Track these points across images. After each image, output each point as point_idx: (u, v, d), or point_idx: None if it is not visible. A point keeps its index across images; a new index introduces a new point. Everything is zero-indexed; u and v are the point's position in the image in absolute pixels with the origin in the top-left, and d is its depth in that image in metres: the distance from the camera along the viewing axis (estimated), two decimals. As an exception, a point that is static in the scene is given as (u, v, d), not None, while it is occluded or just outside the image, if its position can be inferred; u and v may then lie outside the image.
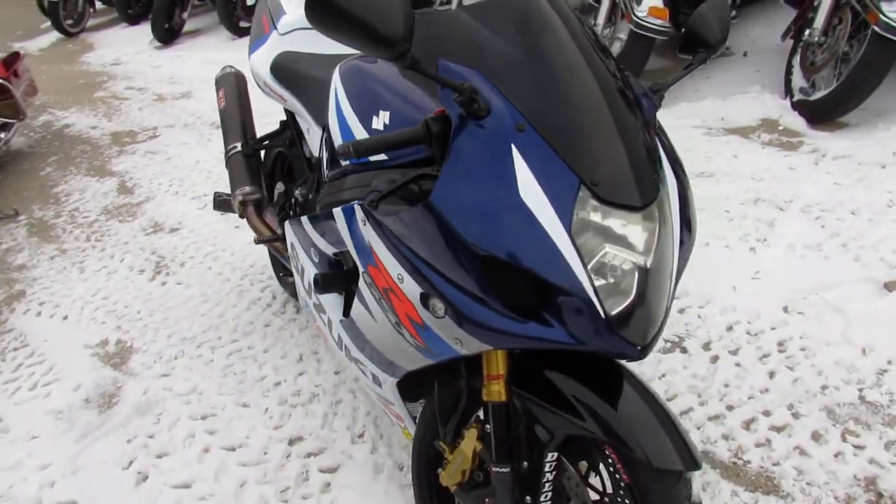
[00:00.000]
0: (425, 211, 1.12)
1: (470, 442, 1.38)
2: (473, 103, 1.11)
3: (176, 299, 2.92)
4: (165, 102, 5.76)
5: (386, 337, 1.42)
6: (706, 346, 2.19)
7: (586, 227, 1.07)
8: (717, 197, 2.91)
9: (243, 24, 6.88)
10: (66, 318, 2.94)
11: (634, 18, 3.51)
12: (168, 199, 3.89)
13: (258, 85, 2.30)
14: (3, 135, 4.52)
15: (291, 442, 2.10)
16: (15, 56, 4.62)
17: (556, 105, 1.14)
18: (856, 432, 1.83)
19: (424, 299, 1.20)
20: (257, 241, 2.21)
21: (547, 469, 1.30)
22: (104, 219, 3.78)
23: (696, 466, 1.18)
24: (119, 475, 2.09)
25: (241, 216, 2.29)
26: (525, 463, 1.31)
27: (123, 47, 7.90)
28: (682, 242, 1.23)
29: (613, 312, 1.06)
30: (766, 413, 1.93)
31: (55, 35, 8.83)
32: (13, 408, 2.46)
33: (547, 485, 1.31)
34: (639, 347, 1.09)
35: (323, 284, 1.53)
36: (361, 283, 1.42)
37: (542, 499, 1.31)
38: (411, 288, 1.22)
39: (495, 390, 1.30)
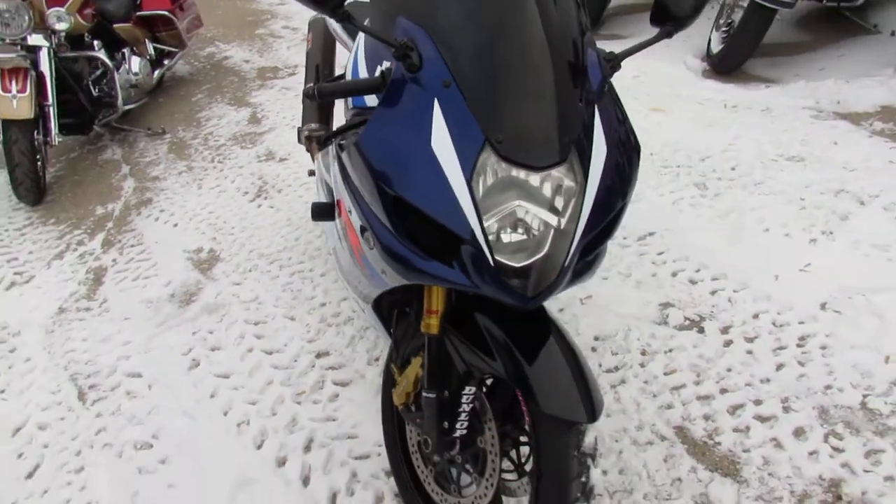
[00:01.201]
0: (356, 151, 1.27)
1: (413, 368, 1.53)
2: (407, 58, 1.23)
3: (265, 220, 3.27)
4: (312, 43, 6.19)
5: (350, 265, 1.60)
6: (724, 330, 2.17)
7: (486, 181, 1.17)
8: (797, 183, 2.77)
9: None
10: (176, 225, 3.40)
11: (755, -12, 3.33)
12: (287, 132, 4.26)
13: (332, 31, 2.50)
14: (167, 61, 5.13)
15: (319, 355, 2.36)
16: (180, -8, 5.18)
17: (484, 66, 1.23)
18: (841, 435, 1.77)
19: (363, 231, 1.37)
20: (310, 173, 2.45)
21: (464, 401, 1.43)
22: (230, 144, 4.23)
23: (587, 419, 1.27)
24: (178, 359, 2.46)
25: (307, 150, 2.54)
26: (447, 392, 1.44)
27: (292, -12, 8.48)
28: (605, 206, 1.26)
29: (505, 262, 1.15)
30: (757, 402, 1.91)
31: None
32: (118, 293, 2.93)
33: (463, 415, 1.44)
34: (529, 297, 1.18)
35: (315, 213, 1.73)
36: (335, 214, 1.60)
37: (457, 426, 1.44)
38: (355, 220, 1.39)
39: (430, 324, 1.44)
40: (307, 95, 1.37)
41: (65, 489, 2.05)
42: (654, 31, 1.43)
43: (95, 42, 4.34)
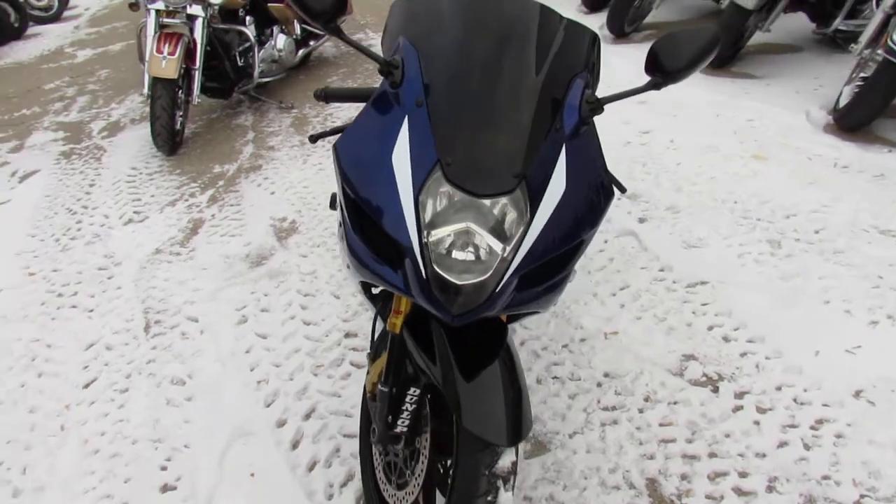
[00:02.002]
0: (333, 152, 1.39)
1: (380, 362, 1.64)
2: (389, 74, 1.34)
3: (348, 203, 3.48)
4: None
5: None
6: (739, 395, 2.08)
7: (433, 199, 1.25)
8: (880, 259, 2.55)
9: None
10: (273, 193, 3.69)
11: (889, 44, 3.07)
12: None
13: None
14: (312, 42, 5.52)
15: (347, 335, 2.52)
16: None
17: (455, 92, 1.31)
18: (816, 529, 1.67)
19: (339, 225, 1.49)
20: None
21: (408, 400, 1.52)
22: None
23: (505, 443, 1.32)
24: (231, 313, 2.72)
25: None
26: (394, 389, 1.53)
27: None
28: (553, 241, 1.29)
29: (443, 277, 1.23)
30: (743, 474, 1.83)
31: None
32: (205, 245, 3.26)
33: (405, 413, 1.52)
34: (453, 315, 1.25)
35: (331, 202, 1.87)
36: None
37: (399, 423, 1.53)
38: (337, 214, 1.51)
39: (394, 323, 1.54)
40: (316, 96, 1.52)
41: (107, 403, 2.35)
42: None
43: (248, 17, 4.79)
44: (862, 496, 1.74)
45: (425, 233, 1.24)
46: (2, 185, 4.31)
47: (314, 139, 1.59)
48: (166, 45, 4.07)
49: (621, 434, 1.99)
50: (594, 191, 1.37)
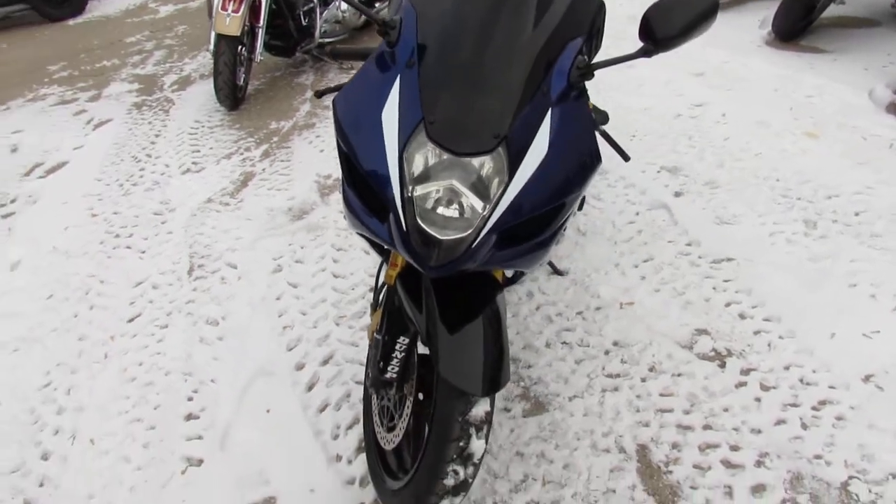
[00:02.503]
0: (333, 105, 1.47)
1: (379, 313, 1.73)
2: (386, 34, 1.41)
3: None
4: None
5: None
6: (745, 371, 2.08)
7: (418, 157, 1.31)
8: (921, 246, 2.46)
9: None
10: (322, 151, 3.82)
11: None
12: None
13: None
14: (378, 4, 5.58)
15: (371, 289, 2.62)
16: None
17: (445, 54, 1.36)
18: (798, 505, 1.68)
19: (340, 179, 1.57)
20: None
21: (397, 348, 1.60)
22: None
23: (479, 393, 1.39)
24: (268, 262, 2.87)
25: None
26: (387, 337, 1.62)
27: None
28: (532, 202, 1.33)
29: (416, 231, 1.30)
30: (734, 448, 1.85)
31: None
32: (252, 197, 3.42)
33: (395, 360, 1.61)
34: (431, 266, 1.32)
35: None
36: None
37: (389, 369, 1.62)
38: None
39: (389, 275, 1.63)
40: (327, 55, 1.59)
41: (147, 337, 2.54)
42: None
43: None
44: (851, 477, 1.73)
45: (410, 188, 1.30)
46: (77, 132, 4.60)
47: (319, 94, 1.67)
48: (231, 3, 4.22)
49: (620, 401, 2.02)
50: (579, 156, 1.39)
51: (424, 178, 1.30)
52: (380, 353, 1.63)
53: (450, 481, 1.48)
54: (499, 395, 2.08)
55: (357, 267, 2.76)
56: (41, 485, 2.03)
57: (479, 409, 1.46)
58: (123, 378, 2.37)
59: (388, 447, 1.68)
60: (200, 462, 2.02)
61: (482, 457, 1.50)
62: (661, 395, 2.04)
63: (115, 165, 4.03)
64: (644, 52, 1.39)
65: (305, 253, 2.90)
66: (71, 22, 8.17)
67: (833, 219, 2.66)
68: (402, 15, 1.44)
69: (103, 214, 3.47)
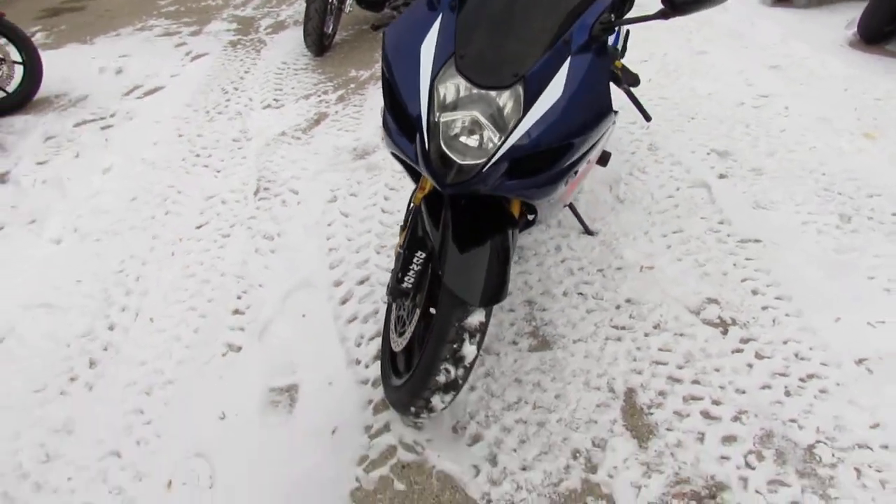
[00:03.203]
0: (383, 35, 1.67)
1: (405, 230, 1.94)
2: (434, -24, 1.59)
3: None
4: None
5: None
6: (744, 340, 2.18)
7: (446, 86, 1.50)
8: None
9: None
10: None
11: None
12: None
13: None
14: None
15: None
16: None
17: (484, 1, 1.53)
18: (763, 457, 1.81)
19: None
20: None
21: (414, 261, 1.81)
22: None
23: (475, 303, 1.59)
24: (325, 191, 3.13)
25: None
26: (407, 252, 1.83)
27: None
28: (542, 137, 1.49)
29: (436, 153, 1.50)
30: (716, 402, 1.98)
31: None
32: (322, 135, 3.68)
33: (411, 272, 1.81)
34: (447, 184, 1.51)
35: None
36: None
37: (405, 279, 1.83)
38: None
39: (416, 196, 1.83)
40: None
41: (210, 243, 2.85)
42: None
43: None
44: (818, 442, 1.84)
45: (437, 114, 1.50)
46: (176, 62, 4.98)
47: (375, 28, 1.87)
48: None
49: (620, 349, 2.18)
50: (590, 103, 1.55)
51: (452, 106, 1.49)
52: (400, 265, 1.83)
53: (441, 378, 1.69)
54: (511, 331, 2.27)
55: (403, 206, 2.97)
56: (105, 349, 2.35)
57: (475, 318, 1.66)
58: (185, 273, 2.67)
59: (398, 349, 1.90)
60: (239, 349, 2.30)
61: (472, 362, 1.70)
62: (660, 349, 2.18)
63: (204, 94, 4.37)
64: (662, 14, 1.52)
65: (361, 188, 3.14)
66: (183, -39, 8.63)
67: (869, 216, 2.70)
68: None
69: (188, 136, 3.81)
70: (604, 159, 2.08)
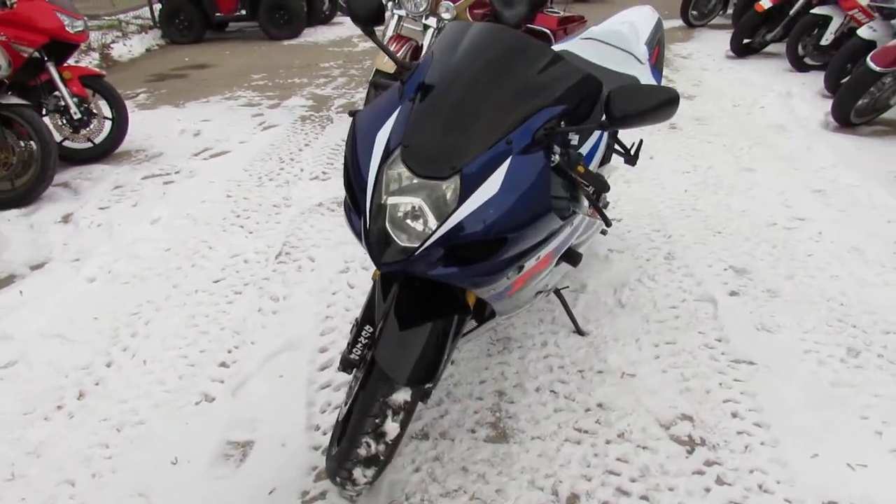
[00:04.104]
0: (352, 118, 1.79)
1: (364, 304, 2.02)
2: (402, 75, 1.73)
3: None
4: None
5: None
6: (709, 463, 2.10)
7: (391, 173, 1.61)
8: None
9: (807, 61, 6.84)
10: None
11: None
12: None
13: None
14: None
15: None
16: (570, 19, 5.92)
17: (438, 97, 1.65)
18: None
19: None
20: None
21: (363, 335, 1.86)
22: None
23: (400, 382, 1.65)
24: (339, 263, 3.26)
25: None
26: (360, 324, 1.89)
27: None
28: (474, 231, 1.55)
29: (374, 232, 1.60)
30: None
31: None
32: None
33: (359, 344, 1.85)
34: (381, 264, 1.60)
35: None
36: None
37: (353, 352, 1.86)
38: None
39: (375, 273, 1.92)
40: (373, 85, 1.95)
41: (221, 297, 3.01)
42: None
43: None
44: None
45: (385, 197, 1.59)
46: (248, 130, 5.39)
47: (351, 113, 2.01)
48: (395, 44, 4.79)
49: (577, 453, 2.13)
50: (527, 203, 1.59)
51: (399, 192, 1.59)
52: (351, 337, 1.91)
53: (362, 451, 1.72)
54: (472, 419, 2.28)
55: (409, 285, 3.06)
56: (96, 383, 2.50)
57: (400, 396, 1.69)
58: (189, 323, 2.83)
59: (340, 418, 1.95)
60: (213, 399, 2.39)
61: (395, 439, 1.72)
62: (618, 459, 2.12)
63: (262, 162, 4.69)
64: (600, 126, 1.59)
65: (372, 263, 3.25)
66: (285, 43, 9.41)
67: (880, 353, 2.57)
68: (422, 61, 1.75)
69: (235, 197, 4.08)
70: (572, 259, 2.10)
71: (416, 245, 1.55)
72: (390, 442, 1.73)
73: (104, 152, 4.94)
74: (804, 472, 2.05)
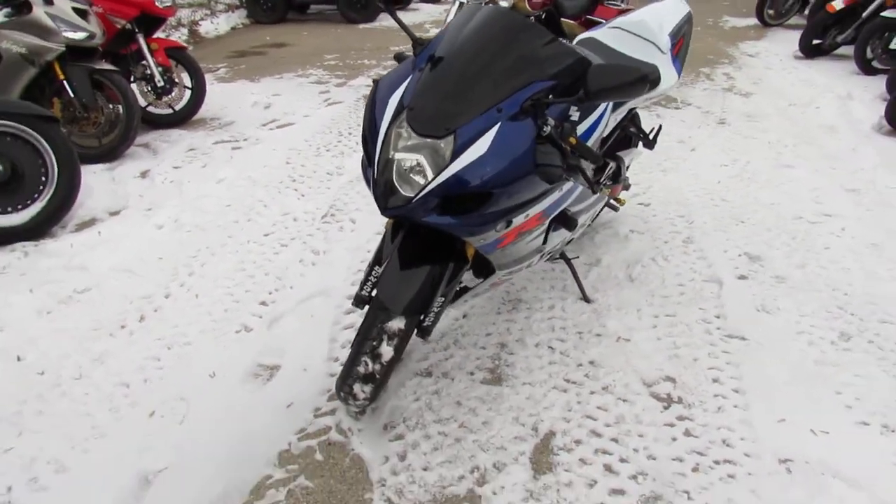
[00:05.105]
0: (373, 83, 2.08)
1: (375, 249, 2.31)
2: (415, 48, 2.01)
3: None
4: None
5: None
6: (681, 418, 2.30)
7: (398, 131, 1.89)
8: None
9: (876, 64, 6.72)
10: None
11: None
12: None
13: None
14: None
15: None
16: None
17: (441, 68, 1.92)
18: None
19: None
20: None
21: (373, 275, 2.16)
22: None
23: (394, 311, 1.94)
24: (378, 225, 3.56)
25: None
26: (370, 266, 2.19)
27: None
28: (464, 183, 1.81)
29: (380, 183, 1.88)
30: (623, 460, 2.12)
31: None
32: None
33: (369, 283, 2.15)
34: (385, 209, 1.88)
35: None
36: None
37: (364, 289, 2.15)
38: None
39: (387, 222, 2.21)
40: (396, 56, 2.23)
41: (268, 248, 3.37)
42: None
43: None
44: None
45: (393, 153, 1.87)
46: (313, 105, 5.77)
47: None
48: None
49: (561, 399, 2.37)
50: (512, 164, 1.83)
51: (404, 148, 1.86)
52: (364, 277, 2.20)
53: (361, 369, 2.02)
54: (473, 364, 2.54)
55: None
56: (155, 310, 2.89)
57: (395, 323, 1.98)
58: (238, 268, 3.20)
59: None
60: (251, 330, 2.75)
61: (389, 361, 2.01)
62: (598, 407, 2.34)
63: (322, 135, 5.05)
64: (577, 99, 1.82)
65: (408, 228, 3.55)
66: (361, 26, 9.81)
67: (870, 339, 2.69)
68: (435, 37, 2.02)
69: (294, 164, 4.46)
70: (567, 223, 2.33)
71: (412, 195, 1.82)
72: (385, 363, 2.01)
73: (182, 118, 5.41)
74: (768, 433, 2.23)
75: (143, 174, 4.40)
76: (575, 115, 2.18)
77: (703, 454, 2.15)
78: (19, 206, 3.51)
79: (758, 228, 3.60)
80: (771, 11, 9.68)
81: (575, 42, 3.11)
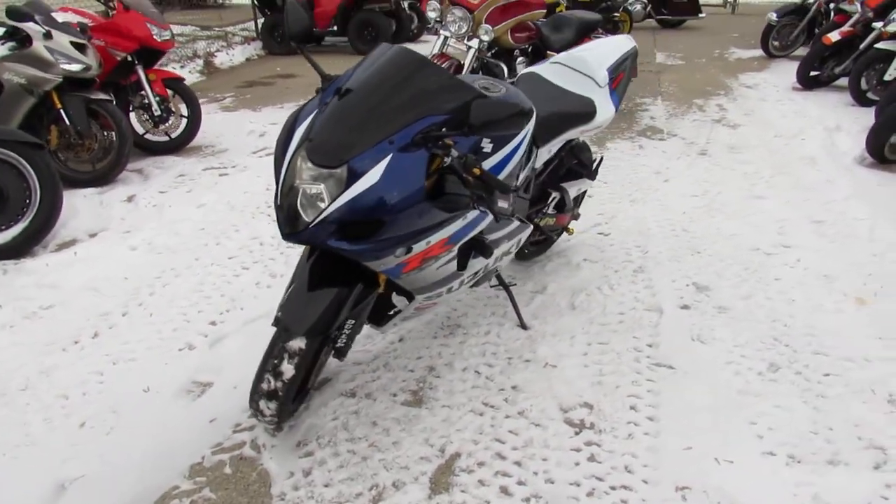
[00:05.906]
0: (290, 116, 2.20)
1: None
2: (323, 82, 2.13)
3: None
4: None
5: None
6: (588, 444, 2.34)
7: (299, 161, 2.01)
8: (854, 421, 2.44)
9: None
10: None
11: None
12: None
13: None
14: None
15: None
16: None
17: (342, 103, 2.04)
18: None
19: None
20: None
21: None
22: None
23: (294, 330, 2.05)
24: (337, 250, 3.68)
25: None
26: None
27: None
28: (356, 211, 1.92)
29: (280, 209, 2.00)
30: (520, 483, 2.18)
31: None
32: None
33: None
34: (284, 235, 2.00)
35: None
36: None
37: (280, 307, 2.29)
38: None
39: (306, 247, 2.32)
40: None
41: (229, 271, 3.50)
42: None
43: (521, 58, 5.71)
44: None
45: (297, 181, 1.99)
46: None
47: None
48: (436, 62, 5.21)
49: (475, 423, 2.44)
50: (402, 194, 1.94)
51: (307, 177, 1.98)
52: (282, 297, 2.31)
53: (264, 386, 2.13)
54: (398, 385, 2.63)
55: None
56: (110, 327, 3.04)
57: (296, 343, 2.08)
58: (197, 289, 3.34)
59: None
60: (194, 348, 2.87)
61: (291, 379, 2.11)
62: (509, 431, 2.40)
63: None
64: (463, 133, 1.92)
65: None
66: (370, 57, 10.03)
67: (799, 371, 2.70)
68: (344, 73, 2.14)
69: (272, 190, 4.60)
70: (484, 250, 2.41)
71: (309, 220, 1.94)
72: (286, 381, 2.11)
73: (178, 146, 5.64)
74: (672, 460, 2.26)
75: (130, 198, 4.60)
76: (488, 147, 2.29)
77: (602, 479, 2.19)
78: (2, 227, 3.71)
79: (712, 259, 3.63)
80: (776, 43, 9.69)
81: (518, 76, 3.22)
